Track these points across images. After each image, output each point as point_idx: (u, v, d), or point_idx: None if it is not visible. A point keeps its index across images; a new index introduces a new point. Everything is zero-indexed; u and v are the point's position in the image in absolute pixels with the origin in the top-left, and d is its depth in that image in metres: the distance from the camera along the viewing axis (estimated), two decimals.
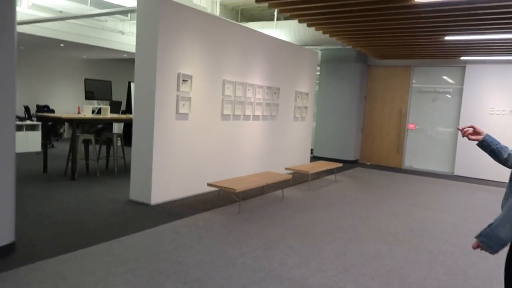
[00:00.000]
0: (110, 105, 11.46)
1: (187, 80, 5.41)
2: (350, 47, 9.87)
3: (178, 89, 5.29)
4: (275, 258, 3.62)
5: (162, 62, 5.01)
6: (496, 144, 2.06)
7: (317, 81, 11.02)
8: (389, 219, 5.22)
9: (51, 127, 9.84)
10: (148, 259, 3.42)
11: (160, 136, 5.12)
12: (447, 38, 6.76)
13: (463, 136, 2.19)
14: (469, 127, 2.16)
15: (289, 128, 8.08)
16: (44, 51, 12.04)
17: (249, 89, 6.69)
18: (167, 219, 4.60)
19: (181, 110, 5.36)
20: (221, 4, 10.04)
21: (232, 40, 6.22)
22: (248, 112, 6.75)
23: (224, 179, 5.61)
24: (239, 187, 4.96)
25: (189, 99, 5.48)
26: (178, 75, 5.27)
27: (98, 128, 9.79)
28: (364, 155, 10.90)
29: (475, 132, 2.14)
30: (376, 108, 10.68)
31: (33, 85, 12.25)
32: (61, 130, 11.98)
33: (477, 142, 2.12)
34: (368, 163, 10.75)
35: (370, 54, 9.55)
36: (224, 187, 4.98)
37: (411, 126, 10.27)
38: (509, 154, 2.03)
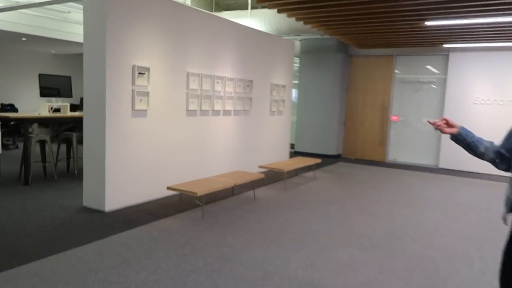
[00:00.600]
0: (80, 102, 10.89)
1: (143, 73, 4.91)
2: (331, 36, 9.44)
3: (133, 83, 4.79)
4: (232, 274, 3.17)
5: (112, 53, 4.50)
6: (472, 137, 1.93)
7: (297, 73, 10.58)
8: (367, 220, 4.81)
9: (14, 126, 9.27)
10: (83, 280, 2.94)
11: (114, 135, 4.62)
12: (428, 23, 6.34)
13: (436, 129, 2.01)
14: (442, 120, 1.99)
15: (265, 123, 7.63)
16: (7, 45, 11.36)
17: (217, 82, 6.21)
18: (120, 228, 4.12)
19: (137, 106, 4.86)
20: None
21: (197, 29, 5.72)
22: (218, 107, 6.27)
23: (188, 181, 5.14)
24: (201, 191, 4.49)
25: (147, 94, 4.98)
26: (133, 67, 4.76)
27: (68, 127, 9.20)
28: (347, 149, 10.51)
29: (448, 124, 1.97)
30: (358, 99, 10.28)
31: None
32: (30, 130, 11.35)
33: (450, 135, 1.97)
34: (352, 158, 10.37)
35: (350, 43, 9.12)
36: (185, 191, 4.51)
37: (394, 118, 9.90)
38: (486, 147, 1.90)
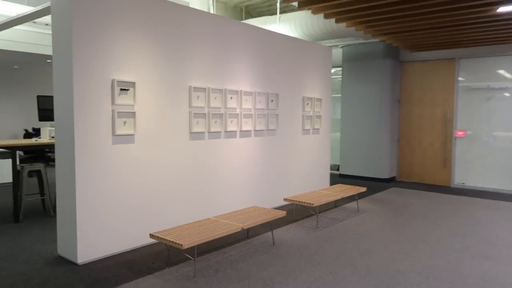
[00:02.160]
0: None
1: (127, 89, 3.96)
2: (377, 40, 8.07)
3: (113, 102, 3.85)
4: None
5: (83, 65, 3.60)
6: None
7: (342, 84, 9.26)
8: (425, 281, 3.39)
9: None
10: None
11: (87, 168, 3.68)
12: (501, 9, 4.84)
13: None
14: None
15: (297, 144, 6.40)
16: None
17: (231, 98, 5.13)
18: None
19: (120, 131, 3.90)
20: (220, 2, 8.64)
21: (203, 34, 4.72)
22: (232, 127, 5.18)
23: (183, 225, 4.06)
24: (190, 241, 3.38)
25: (133, 114, 4.01)
26: (112, 82, 3.83)
27: (34, 156, 8.37)
28: (402, 171, 8.91)
29: None
30: (414, 112, 8.70)
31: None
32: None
33: None
34: (409, 181, 8.75)
35: (400, 46, 7.67)
36: (170, 241, 3.42)
37: (459, 133, 8.20)
38: None
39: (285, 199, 5.22)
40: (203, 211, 4.80)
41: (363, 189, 6.00)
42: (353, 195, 6.21)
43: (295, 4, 4.91)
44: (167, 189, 4.40)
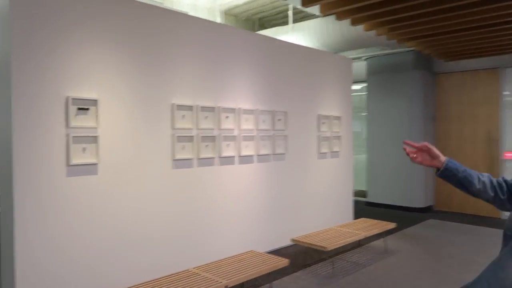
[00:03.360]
0: None
1: (86, 109, 3.21)
2: (405, 49, 7.11)
3: (68, 124, 3.11)
4: None
5: (24, 78, 2.89)
6: (464, 171, 1.53)
7: (367, 100, 8.30)
8: None
9: None
10: None
11: (29, 208, 2.92)
12: None
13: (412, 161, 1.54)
14: (423, 145, 1.58)
15: (311, 171, 5.46)
16: None
17: (227, 117, 4.31)
18: None
19: (77, 159, 3.14)
20: (230, 15, 7.97)
21: (188, 41, 3.97)
22: (229, 152, 4.34)
23: (147, 281, 3.20)
24: None
25: (95, 139, 3.25)
26: (67, 100, 3.10)
27: None
28: (440, 199, 7.72)
29: (431, 155, 1.57)
30: (451, 131, 7.57)
31: None
32: None
33: (436, 170, 1.57)
34: (448, 211, 7.56)
35: (431, 54, 6.66)
36: None
37: (508, 155, 6.99)
38: (484, 182, 1.52)
39: (293, 240, 4.27)
40: (187, 258, 3.92)
41: (392, 226, 4.95)
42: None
43: (313, 8, 4.24)
44: (139, 231, 3.57)
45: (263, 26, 8.59)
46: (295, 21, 7.34)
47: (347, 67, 6.17)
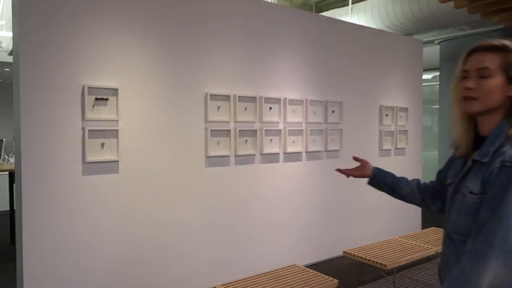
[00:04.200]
0: None
1: (105, 99, 2.85)
2: (490, 29, 6.03)
3: (84, 117, 2.76)
4: None
5: (34, 66, 2.58)
6: (392, 177, 1.57)
7: (440, 90, 7.28)
8: None
9: None
10: None
11: (39, 210, 2.62)
12: None
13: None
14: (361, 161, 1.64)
15: None
16: None
17: (270, 108, 3.77)
18: None
19: (94, 156, 2.80)
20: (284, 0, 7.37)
21: (225, 22, 3.47)
22: (272, 149, 3.79)
23: None
24: None
25: (115, 133, 2.88)
26: (83, 89, 2.75)
27: None
28: None
29: (362, 164, 1.64)
30: None
31: None
32: None
33: (368, 180, 1.61)
34: None
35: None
36: None
37: None
38: (411, 186, 1.53)
39: (345, 252, 3.63)
40: (215, 271, 3.46)
41: None
42: None
43: None
44: (164, 239, 3.16)
45: (320, 11, 7.87)
46: (355, 2, 6.56)
47: (417, 50, 5.30)
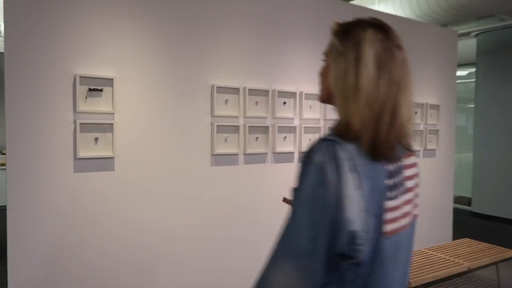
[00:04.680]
0: None
1: (99, 90, 2.61)
2: None
3: (75, 109, 2.53)
4: None
5: (19, 53, 2.36)
6: None
7: (476, 87, 6.75)
8: None
9: None
10: None
11: (24, 209, 2.41)
12: None
13: None
14: None
15: None
16: None
17: (284, 103, 3.45)
18: None
19: (86, 152, 2.56)
20: None
21: (233, 8, 3.17)
22: (285, 147, 3.47)
23: None
24: None
25: (111, 127, 2.64)
26: (75, 79, 2.52)
27: None
28: None
29: None
30: None
31: None
32: None
33: None
34: None
35: None
36: None
37: None
38: None
39: None
40: (222, 281, 3.17)
41: (510, 254, 3.63)
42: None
43: None
44: (165, 245, 2.90)
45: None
46: None
47: (451, 41, 4.83)
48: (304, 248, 0.84)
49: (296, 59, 3.51)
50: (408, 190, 0.96)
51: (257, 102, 3.28)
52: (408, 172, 0.96)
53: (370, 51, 0.89)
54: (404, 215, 0.94)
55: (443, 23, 5.27)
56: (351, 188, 0.84)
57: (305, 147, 3.39)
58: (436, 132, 4.67)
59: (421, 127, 4.52)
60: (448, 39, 4.81)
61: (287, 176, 3.49)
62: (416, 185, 1.02)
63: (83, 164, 2.57)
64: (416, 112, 4.45)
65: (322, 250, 0.84)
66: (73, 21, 2.51)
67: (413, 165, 0.99)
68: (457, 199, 6.78)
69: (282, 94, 3.42)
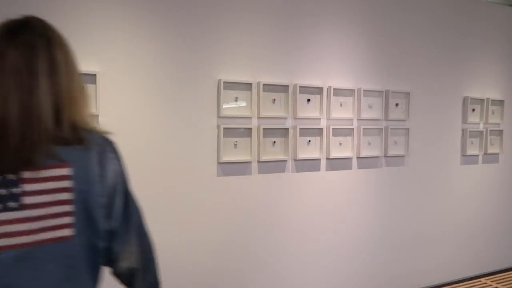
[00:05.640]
0: None
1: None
2: None
3: None
4: None
5: None
6: None
7: None
8: None
9: None
10: None
11: None
12: None
13: None
14: None
15: (449, 183, 3.62)
16: None
17: (308, 100, 2.89)
18: None
19: None
20: None
21: None
22: (310, 153, 2.92)
23: None
24: None
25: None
26: None
27: None
28: None
29: None
30: None
31: None
32: None
33: None
34: None
35: None
36: None
37: None
38: None
39: None
40: None
41: None
42: None
43: None
44: (163, 267, 2.46)
45: None
46: None
47: None
48: None
49: (324, 47, 2.95)
50: (26, 207, 0.87)
51: (274, 99, 2.76)
52: (36, 187, 0.88)
53: None
54: (7, 235, 0.86)
55: (509, 2, 4.44)
56: None
57: (334, 152, 2.84)
58: (499, 133, 3.89)
59: (481, 127, 3.77)
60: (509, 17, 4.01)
61: (313, 188, 2.94)
62: (59, 202, 0.91)
63: None
64: (474, 110, 3.71)
65: None
66: (53, 8, 2.12)
67: (55, 178, 0.90)
68: None
69: (305, 89, 2.87)
